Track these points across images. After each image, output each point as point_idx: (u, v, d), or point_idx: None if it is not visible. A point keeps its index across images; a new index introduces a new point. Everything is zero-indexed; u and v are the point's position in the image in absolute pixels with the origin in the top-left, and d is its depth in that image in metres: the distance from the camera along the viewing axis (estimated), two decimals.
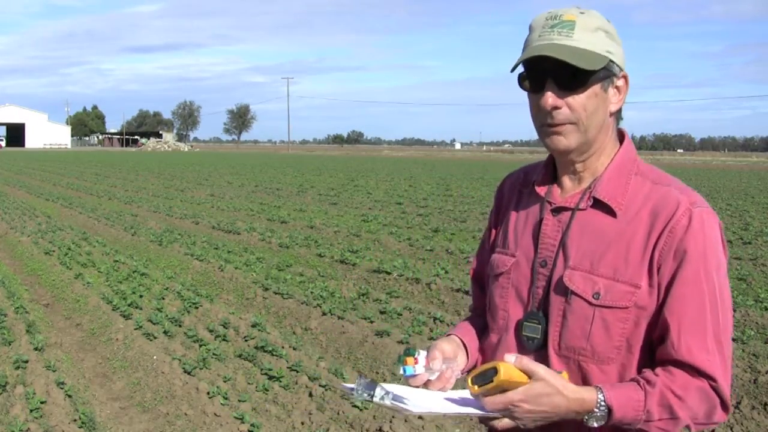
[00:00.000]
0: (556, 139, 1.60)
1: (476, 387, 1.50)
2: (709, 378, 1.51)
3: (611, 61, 1.58)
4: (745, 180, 36.66)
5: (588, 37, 1.56)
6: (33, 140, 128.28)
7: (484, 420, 1.56)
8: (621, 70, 1.61)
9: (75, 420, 4.94)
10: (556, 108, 1.57)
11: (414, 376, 1.63)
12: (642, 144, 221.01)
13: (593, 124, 1.59)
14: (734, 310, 7.42)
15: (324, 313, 7.55)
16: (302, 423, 4.96)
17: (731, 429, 4.92)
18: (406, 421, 4.78)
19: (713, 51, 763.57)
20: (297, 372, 5.76)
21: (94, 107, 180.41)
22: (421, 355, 1.65)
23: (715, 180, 36.25)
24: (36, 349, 6.42)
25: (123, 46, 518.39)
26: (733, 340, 6.36)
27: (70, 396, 5.36)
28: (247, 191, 25.00)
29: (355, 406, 5.07)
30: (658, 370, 1.54)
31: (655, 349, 1.58)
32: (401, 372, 1.64)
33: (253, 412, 5.09)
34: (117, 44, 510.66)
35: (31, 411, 5.00)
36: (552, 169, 1.73)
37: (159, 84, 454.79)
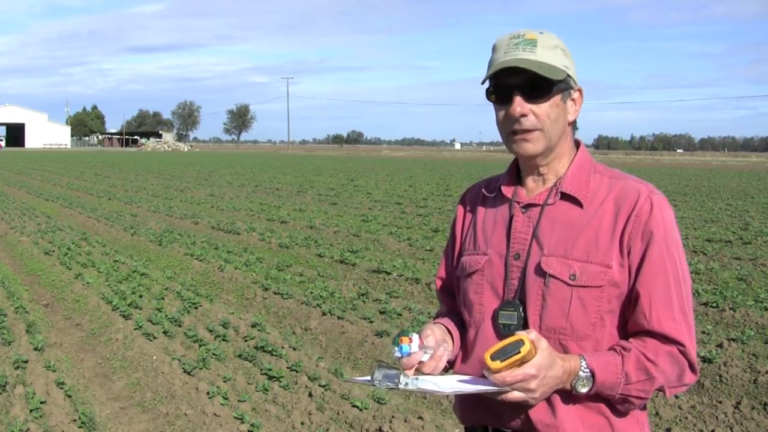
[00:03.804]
0: (525, 144, 1.77)
1: (498, 362, 1.58)
2: (678, 344, 1.69)
3: (568, 75, 1.78)
4: (745, 180, 36.61)
5: (548, 54, 1.75)
6: (33, 140, 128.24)
7: (493, 395, 1.65)
8: (576, 84, 1.82)
9: (75, 420, 4.94)
10: (523, 115, 1.74)
11: (410, 354, 1.72)
12: (642, 144, 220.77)
13: (556, 130, 1.77)
14: (734, 310, 7.42)
15: (324, 313, 7.55)
16: (302, 423, 4.96)
17: (731, 429, 4.92)
18: (406, 420, 4.78)
19: (714, 51, 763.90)
20: (297, 372, 5.76)
21: (94, 107, 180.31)
22: (414, 336, 1.74)
23: (715, 180, 36.23)
24: (36, 349, 6.41)
25: (125, 46, 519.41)
26: (733, 340, 6.38)
27: (70, 396, 5.36)
28: (247, 191, 25.00)
29: (355, 406, 5.07)
30: (631, 339, 1.72)
31: (627, 324, 1.75)
32: (397, 352, 1.72)
33: (252, 412, 5.09)
34: (119, 44, 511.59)
35: (31, 411, 4.99)
36: (516, 174, 1.90)
37: (160, 84, 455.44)
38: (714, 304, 7.68)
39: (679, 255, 1.74)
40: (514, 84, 1.74)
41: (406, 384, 1.65)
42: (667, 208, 1.75)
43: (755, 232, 13.85)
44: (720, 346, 6.21)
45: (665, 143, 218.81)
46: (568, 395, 1.70)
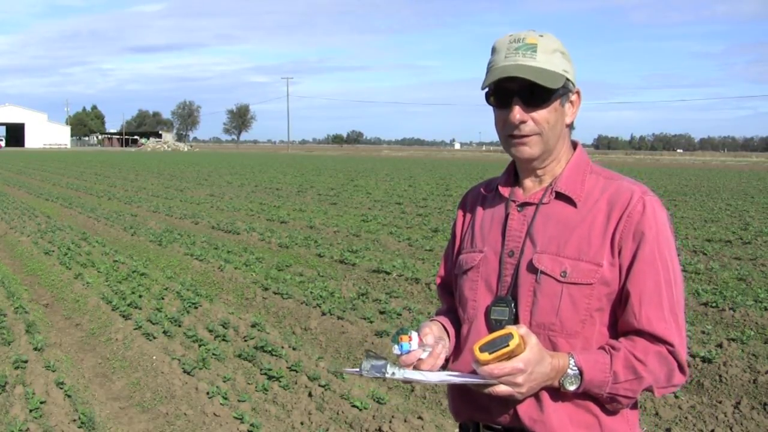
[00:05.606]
0: (522, 148, 1.80)
1: (487, 354, 1.59)
2: (667, 343, 1.70)
3: (567, 79, 1.79)
4: (745, 180, 36.62)
5: (548, 58, 1.76)
6: (33, 140, 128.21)
7: (480, 387, 1.67)
8: (574, 86, 1.83)
9: (74, 420, 4.94)
10: (522, 122, 1.76)
11: (409, 352, 1.74)
12: (642, 144, 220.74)
13: (554, 134, 1.80)
14: (734, 310, 7.42)
15: (324, 313, 7.55)
16: (302, 423, 4.96)
17: (731, 429, 4.92)
18: (406, 420, 4.78)
19: (714, 51, 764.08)
20: (296, 372, 5.76)
21: (94, 107, 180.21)
22: (414, 333, 1.77)
23: (715, 180, 36.24)
24: (36, 349, 6.41)
25: (125, 46, 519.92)
26: (733, 340, 6.38)
27: (69, 396, 5.36)
28: (247, 191, 25.00)
29: (355, 406, 5.07)
30: (621, 338, 1.73)
31: (617, 323, 1.76)
32: (397, 350, 1.74)
33: (252, 412, 5.09)
34: (119, 44, 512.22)
35: (31, 411, 5.00)
36: (514, 174, 1.92)
37: (160, 84, 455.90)
38: (714, 304, 7.68)
39: (671, 256, 1.74)
40: (514, 90, 1.75)
41: (393, 374, 1.68)
42: (660, 210, 1.76)
43: (755, 232, 13.85)
44: (720, 346, 6.21)
45: (665, 143, 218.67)
46: (557, 393, 1.71)
